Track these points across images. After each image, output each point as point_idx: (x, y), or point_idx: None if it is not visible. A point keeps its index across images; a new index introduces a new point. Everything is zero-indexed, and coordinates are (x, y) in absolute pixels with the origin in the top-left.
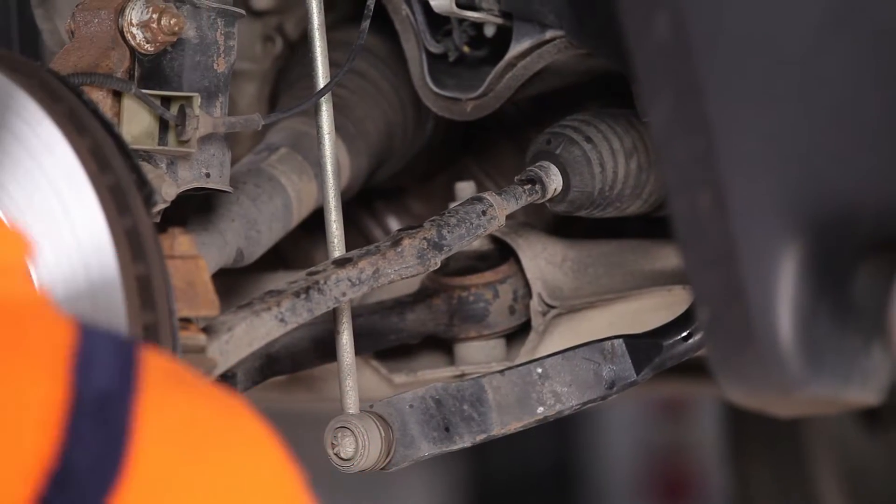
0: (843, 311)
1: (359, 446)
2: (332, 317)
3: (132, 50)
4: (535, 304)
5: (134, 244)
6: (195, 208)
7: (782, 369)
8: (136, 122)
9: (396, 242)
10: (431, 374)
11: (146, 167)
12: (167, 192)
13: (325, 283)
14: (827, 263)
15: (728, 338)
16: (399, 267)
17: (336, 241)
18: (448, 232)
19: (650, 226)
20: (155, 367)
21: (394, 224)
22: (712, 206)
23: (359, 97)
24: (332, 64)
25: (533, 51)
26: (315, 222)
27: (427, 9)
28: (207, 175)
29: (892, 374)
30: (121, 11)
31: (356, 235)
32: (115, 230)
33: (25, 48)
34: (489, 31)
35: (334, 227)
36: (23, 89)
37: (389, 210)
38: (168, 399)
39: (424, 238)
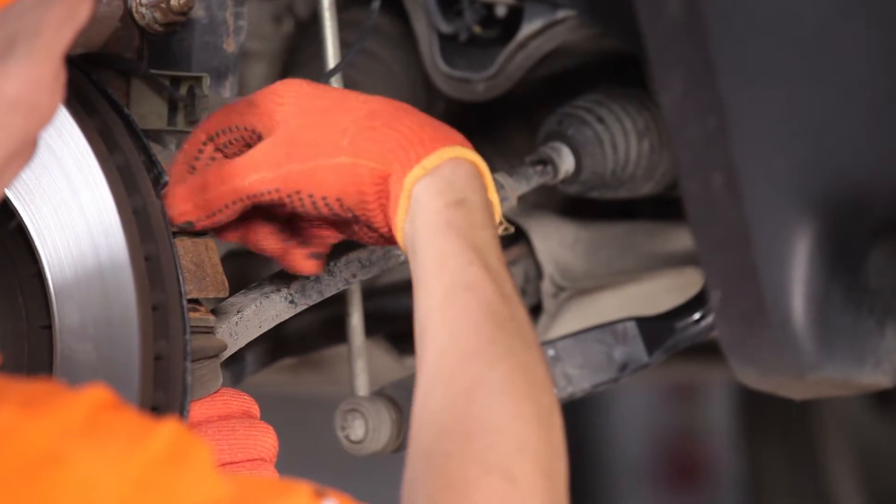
0: (856, 293)
1: (369, 429)
2: (343, 298)
3: (141, 30)
4: (546, 285)
5: (143, 225)
6: None
7: (795, 351)
8: (145, 103)
9: None
10: None
11: (155, 148)
12: None
13: (335, 264)
14: (840, 245)
15: (740, 320)
16: None
17: None
18: None
19: (662, 207)
20: None
21: None
22: (725, 187)
23: (369, 77)
24: (343, 44)
25: (545, 31)
26: None
27: None
28: None
29: None
30: None
31: None
32: (124, 211)
33: None
34: (500, 12)
35: None
36: None
37: None
38: None
39: None
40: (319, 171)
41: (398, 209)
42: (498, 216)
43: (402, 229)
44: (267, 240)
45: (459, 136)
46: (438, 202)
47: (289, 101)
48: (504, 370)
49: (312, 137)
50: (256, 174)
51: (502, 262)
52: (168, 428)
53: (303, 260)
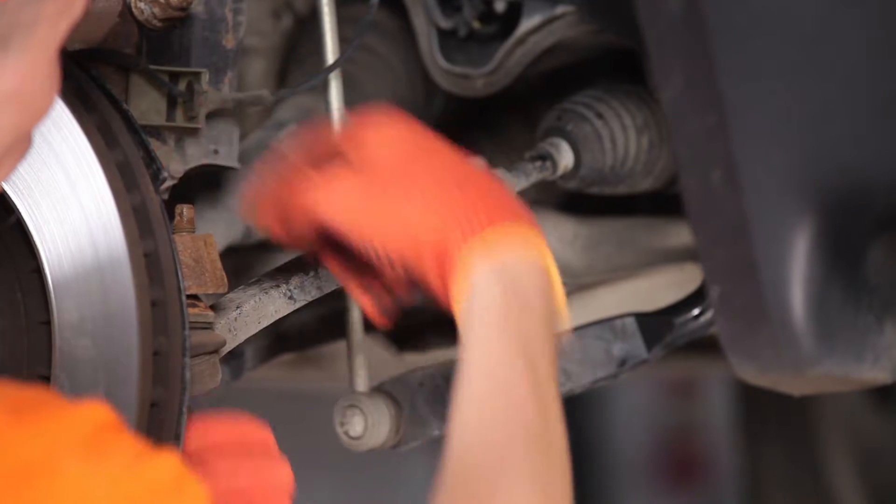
0: (855, 288)
1: (368, 424)
2: (342, 294)
3: (140, 25)
4: None
5: (141, 221)
6: (203, 185)
7: (794, 347)
8: (143, 99)
9: None
10: (442, 353)
11: (154, 144)
12: (175, 168)
13: None
14: (839, 240)
15: (740, 315)
16: None
17: None
18: None
19: (662, 203)
20: None
21: None
22: (724, 182)
23: (368, 73)
24: (342, 39)
25: (544, 26)
26: None
27: None
28: (216, 152)
29: None
30: None
31: None
32: (123, 207)
33: None
34: (499, 7)
35: None
36: None
37: None
38: None
39: None
40: (387, 228)
41: (456, 285)
42: (561, 319)
43: (460, 309)
44: (338, 272)
45: (526, 213)
46: (500, 301)
47: (384, 140)
48: (522, 490)
49: (391, 191)
50: (329, 215)
51: (551, 376)
52: (170, 460)
53: (372, 309)
